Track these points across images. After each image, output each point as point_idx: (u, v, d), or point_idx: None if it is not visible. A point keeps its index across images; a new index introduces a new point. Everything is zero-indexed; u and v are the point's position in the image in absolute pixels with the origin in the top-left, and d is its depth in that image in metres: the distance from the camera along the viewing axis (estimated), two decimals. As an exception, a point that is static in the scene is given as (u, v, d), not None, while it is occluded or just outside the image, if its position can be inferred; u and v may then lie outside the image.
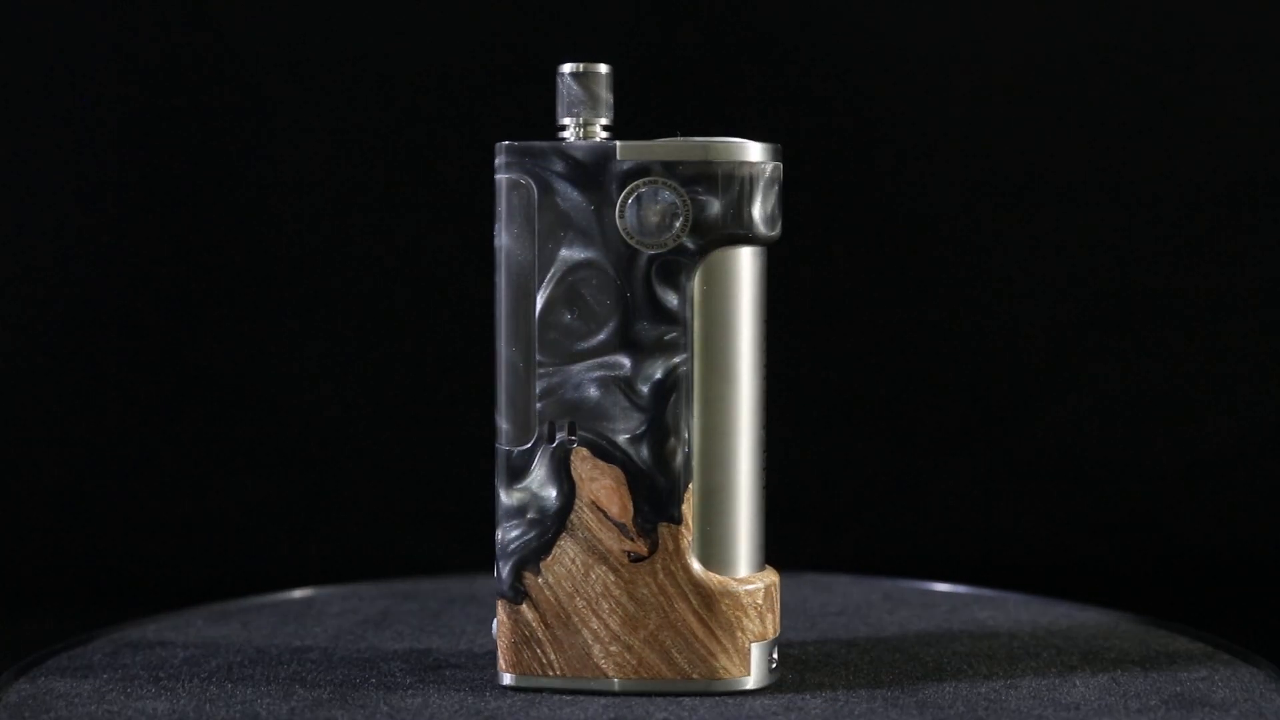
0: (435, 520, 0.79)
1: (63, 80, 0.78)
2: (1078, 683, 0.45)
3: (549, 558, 0.43)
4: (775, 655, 0.44)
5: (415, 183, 0.80)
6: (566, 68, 0.44)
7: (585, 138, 0.43)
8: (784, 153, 0.44)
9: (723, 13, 0.80)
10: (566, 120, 0.44)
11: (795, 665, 0.46)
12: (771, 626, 0.43)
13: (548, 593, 0.43)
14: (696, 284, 0.42)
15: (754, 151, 0.42)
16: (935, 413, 0.82)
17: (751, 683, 0.43)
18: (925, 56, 0.80)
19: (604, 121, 0.44)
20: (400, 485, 0.80)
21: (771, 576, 0.43)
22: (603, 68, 0.44)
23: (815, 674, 0.46)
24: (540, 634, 0.43)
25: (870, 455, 0.81)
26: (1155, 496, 0.81)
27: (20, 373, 0.79)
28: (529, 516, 0.44)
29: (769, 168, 0.42)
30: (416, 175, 0.80)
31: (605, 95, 0.44)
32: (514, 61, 0.80)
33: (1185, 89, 0.81)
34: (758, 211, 0.42)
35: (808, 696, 0.43)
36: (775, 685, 0.44)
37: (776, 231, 0.43)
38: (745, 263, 0.43)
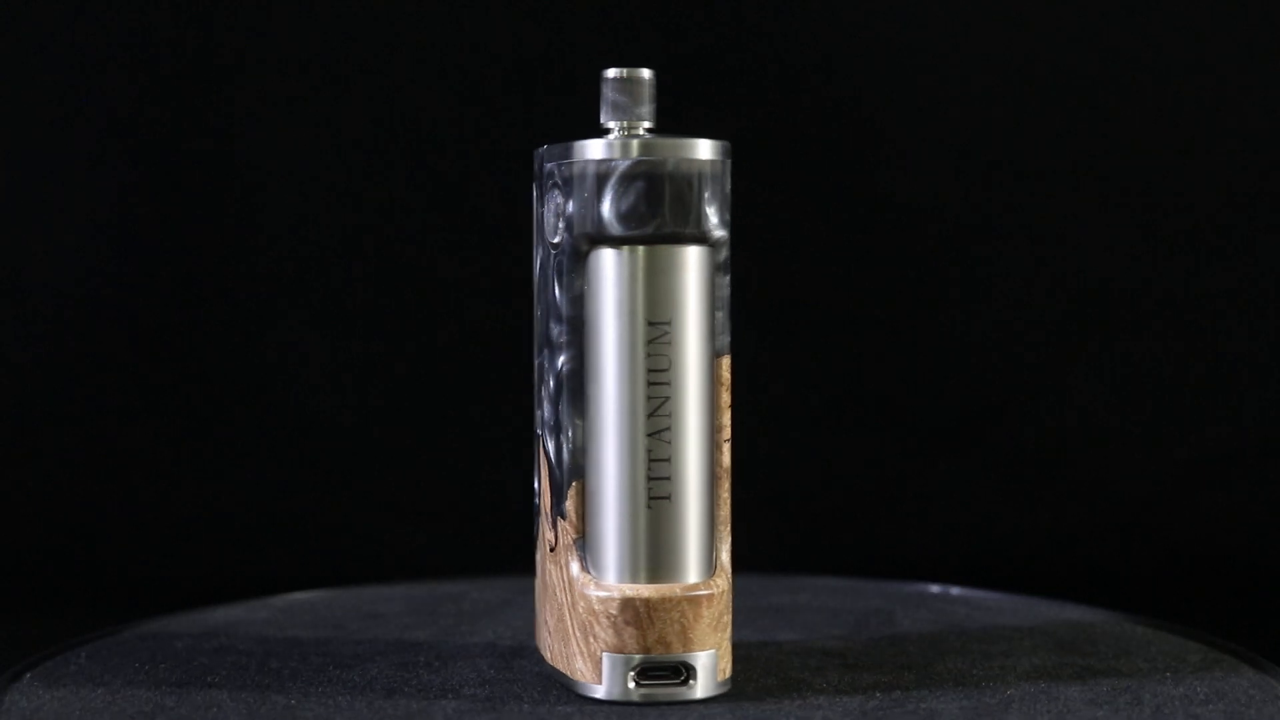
0: (438, 521, 0.80)
1: (64, 80, 0.78)
2: (1075, 686, 0.45)
3: (540, 539, 0.45)
4: (686, 675, 0.42)
5: (417, 182, 0.80)
6: (610, 72, 0.44)
7: (630, 139, 0.43)
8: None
9: (722, 12, 0.80)
10: (610, 124, 0.44)
11: (770, 667, 0.46)
12: (633, 642, 0.42)
13: (539, 571, 0.46)
14: (591, 282, 0.43)
15: (601, 149, 0.42)
16: (932, 413, 0.82)
17: (601, 693, 0.42)
18: (925, 56, 0.80)
19: (646, 125, 0.43)
20: (403, 486, 0.80)
21: (661, 591, 0.42)
22: (645, 73, 0.43)
23: (791, 679, 0.46)
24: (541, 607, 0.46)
25: (865, 456, 0.81)
26: (1155, 497, 0.81)
27: (21, 372, 0.79)
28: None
29: (623, 165, 0.42)
30: (418, 174, 0.80)
31: (624, 99, 0.43)
32: (517, 63, 0.80)
33: (1186, 88, 0.81)
34: (607, 210, 0.42)
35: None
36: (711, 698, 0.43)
37: (629, 230, 0.42)
38: (623, 263, 0.42)
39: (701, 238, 0.42)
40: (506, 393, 0.78)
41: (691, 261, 0.42)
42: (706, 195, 0.42)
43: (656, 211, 0.42)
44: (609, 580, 0.43)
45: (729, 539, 0.43)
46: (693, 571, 0.43)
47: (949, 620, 0.52)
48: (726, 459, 0.43)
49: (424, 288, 0.80)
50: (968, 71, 0.80)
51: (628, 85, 0.43)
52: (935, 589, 0.58)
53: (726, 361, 0.43)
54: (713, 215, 0.42)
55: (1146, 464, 0.81)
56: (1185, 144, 0.81)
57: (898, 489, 0.81)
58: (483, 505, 0.79)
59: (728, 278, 0.43)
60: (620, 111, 0.43)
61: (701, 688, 0.43)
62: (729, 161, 0.43)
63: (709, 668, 0.43)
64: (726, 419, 0.43)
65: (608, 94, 0.43)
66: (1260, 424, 0.81)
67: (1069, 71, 0.81)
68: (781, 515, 0.79)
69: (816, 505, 0.80)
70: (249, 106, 0.79)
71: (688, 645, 0.42)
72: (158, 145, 0.79)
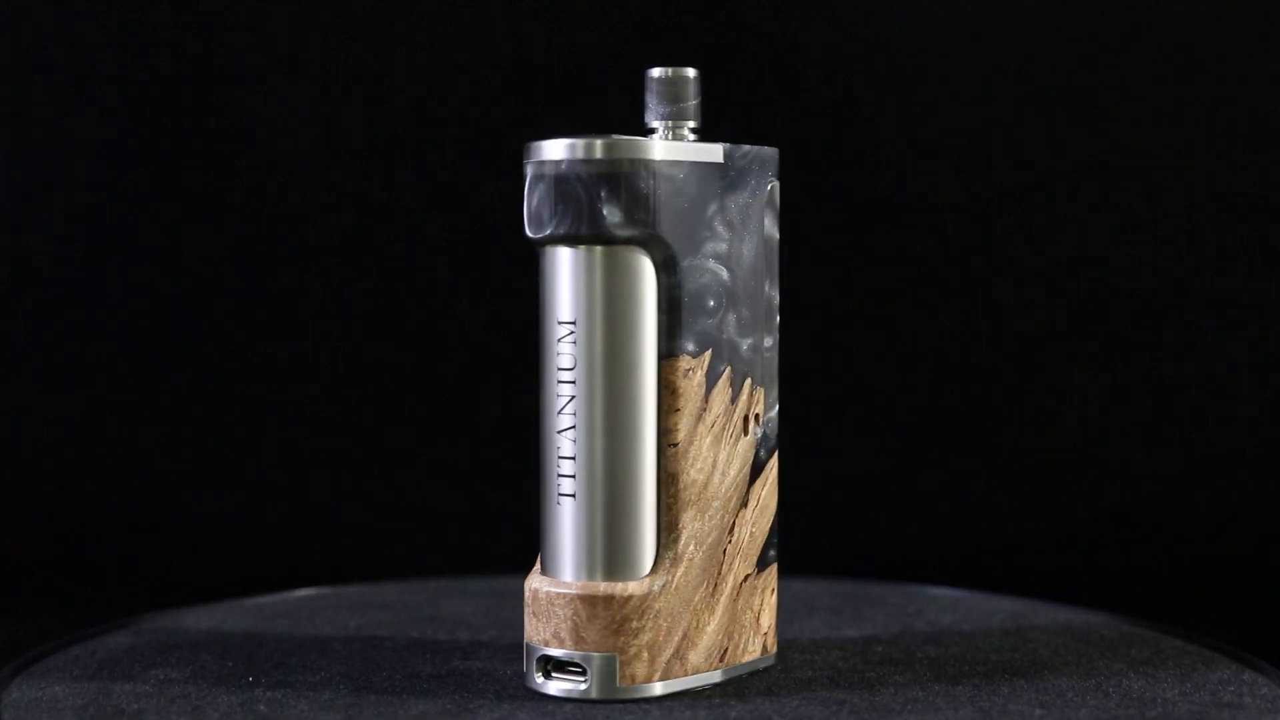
0: (438, 521, 0.80)
1: (64, 80, 0.78)
2: (1073, 686, 0.45)
3: None
4: (580, 672, 0.43)
5: (418, 182, 0.80)
6: (653, 72, 0.44)
7: (675, 139, 0.43)
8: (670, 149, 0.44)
9: (721, 13, 0.80)
10: (656, 124, 0.44)
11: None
12: (536, 633, 0.43)
13: None
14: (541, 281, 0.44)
15: (532, 152, 0.43)
16: (933, 414, 0.82)
17: (528, 679, 0.44)
18: (926, 56, 0.80)
19: (691, 124, 0.44)
20: (403, 486, 0.80)
21: (557, 586, 0.43)
22: (689, 72, 0.44)
23: (786, 680, 0.46)
24: None
25: (865, 456, 0.81)
26: (1155, 497, 0.81)
27: (20, 371, 0.79)
28: None
29: (530, 167, 0.43)
30: (419, 174, 0.80)
31: (653, 99, 0.43)
32: (518, 63, 0.80)
33: (1187, 87, 0.81)
34: (525, 211, 0.43)
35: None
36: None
37: (536, 233, 0.43)
38: (562, 263, 0.43)
39: (603, 238, 0.42)
40: (507, 393, 0.78)
41: (599, 262, 0.42)
42: (603, 194, 0.42)
43: (553, 213, 0.42)
44: (564, 575, 0.43)
45: (678, 546, 0.43)
46: (604, 572, 0.43)
47: (948, 622, 0.52)
48: (674, 465, 0.43)
49: (425, 288, 0.80)
50: (968, 71, 0.80)
51: (665, 85, 0.43)
52: (935, 590, 0.58)
53: (681, 364, 0.43)
54: (613, 215, 0.42)
55: (1146, 464, 0.81)
56: (1185, 144, 0.81)
57: (898, 489, 0.81)
58: (483, 505, 0.79)
59: (676, 278, 0.42)
60: (656, 112, 0.43)
61: (595, 689, 0.42)
62: (656, 161, 0.42)
63: (605, 670, 0.42)
64: (676, 423, 0.43)
65: (647, 94, 0.43)
66: (1260, 424, 0.81)
67: (1069, 72, 0.80)
68: (781, 515, 0.79)
69: (816, 505, 0.80)
70: (250, 107, 0.79)
71: (579, 644, 0.42)
72: (157, 146, 0.79)
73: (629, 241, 0.42)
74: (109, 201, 0.79)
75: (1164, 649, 0.49)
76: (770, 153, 0.45)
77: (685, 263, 0.43)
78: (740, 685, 0.44)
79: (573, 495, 0.43)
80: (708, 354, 0.43)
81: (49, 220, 0.79)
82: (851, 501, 0.81)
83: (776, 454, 0.46)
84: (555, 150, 0.42)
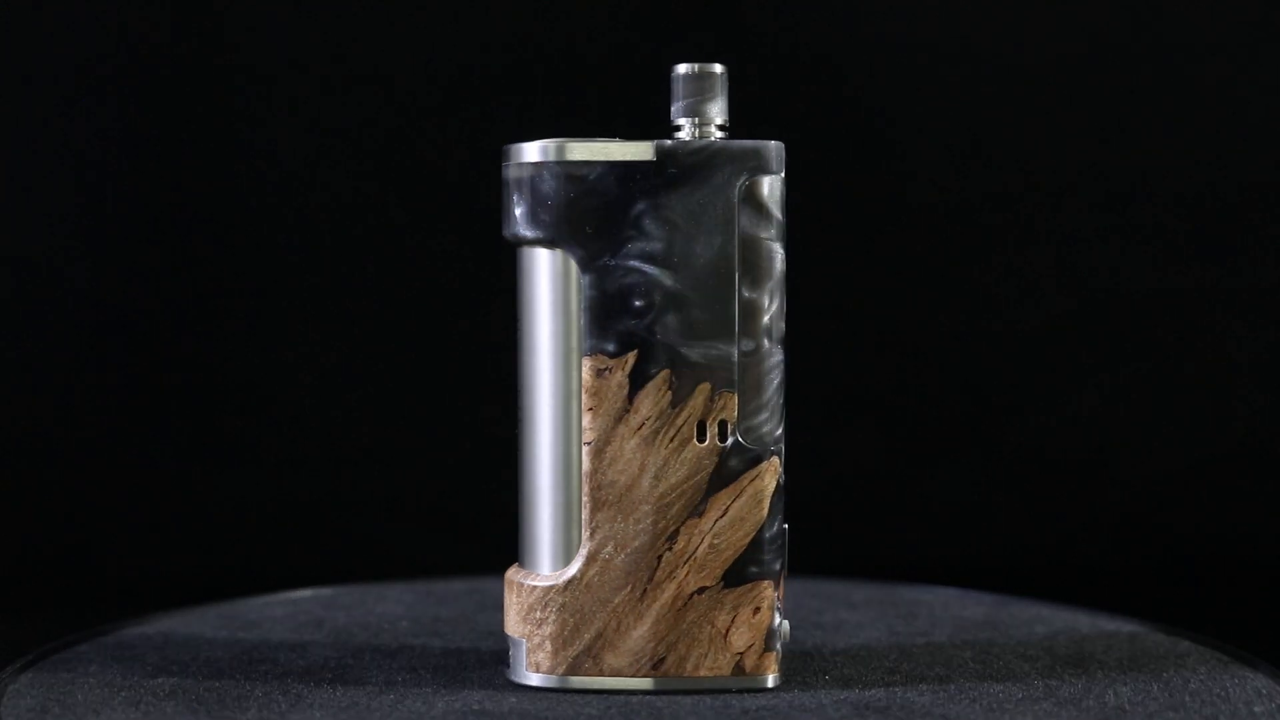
0: (438, 521, 0.80)
1: (63, 78, 0.78)
2: (1072, 686, 0.45)
3: None
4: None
5: (421, 184, 0.80)
6: (679, 68, 0.44)
7: (701, 138, 0.44)
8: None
9: (726, 12, 0.80)
10: (681, 121, 0.44)
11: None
12: (508, 627, 0.44)
13: None
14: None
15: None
16: (933, 413, 0.82)
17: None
18: (928, 55, 0.80)
19: (718, 121, 0.44)
20: (403, 486, 0.80)
21: (506, 571, 0.44)
22: (715, 67, 0.44)
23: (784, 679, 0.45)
24: None
25: (865, 456, 0.81)
26: (1155, 497, 0.81)
27: (20, 372, 0.79)
28: None
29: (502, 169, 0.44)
30: (422, 176, 0.80)
31: (677, 96, 0.44)
32: (515, 62, 0.80)
33: (1187, 87, 0.81)
34: None
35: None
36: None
37: (503, 234, 0.44)
38: (529, 265, 0.44)
39: (518, 240, 0.43)
40: (507, 392, 0.78)
41: (528, 262, 0.43)
42: (514, 198, 0.43)
43: (501, 217, 0.44)
44: (539, 567, 0.44)
45: (591, 544, 0.43)
46: (531, 560, 0.44)
47: (947, 622, 0.52)
48: (588, 463, 0.43)
49: (425, 287, 0.80)
50: (968, 72, 0.80)
51: (689, 82, 0.44)
52: (935, 590, 0.58)
53: (595, 363, 0.43)
54: (520, 217, 0.43)
55: (1146, 464, 0.81)
56: (1185, 144, 0.81)
57: (898, 489, 0.81)
58: (483, 505, 0.79)
59: (589, 277, 0.42)
60: (681, 109, 0.44)
61: (513, 672, 0.44)
62: (561, 162, 0.43)
63: (519, 656, 0.44)
64: (589, 422, 0.43)
65: (672, 91, 0.44)
66: (1260, 424, 0.81)
67: (1069, 72, 0.80)
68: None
69: (817, 505, 0.80)
70: (250, 107, 0.79)
71: (507, 626, 0.44)
72: (158, 146, 0.79)
73: (537, 243, 0.43)
74: (109, 201, 0.79)
75: (1164, 649, 0.49)
76: (743, 148, 0.43)
77: (601, 262, 0.43)
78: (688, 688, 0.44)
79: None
80: (632, 355, 0.43)
81: (49, 220, 0.79)
82: (851, 501, 0.81)
83: (772, 464, 0.44)
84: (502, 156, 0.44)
